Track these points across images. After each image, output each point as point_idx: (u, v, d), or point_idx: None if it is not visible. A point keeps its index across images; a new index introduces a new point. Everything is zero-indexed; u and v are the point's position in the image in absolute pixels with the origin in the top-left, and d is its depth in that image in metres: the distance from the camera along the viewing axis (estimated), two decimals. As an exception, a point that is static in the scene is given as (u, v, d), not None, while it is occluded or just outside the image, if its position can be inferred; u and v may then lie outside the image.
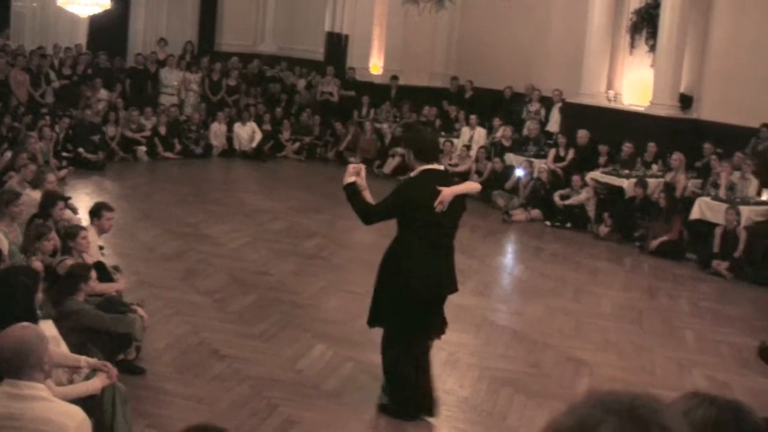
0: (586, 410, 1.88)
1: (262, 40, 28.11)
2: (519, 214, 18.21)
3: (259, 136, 23.07)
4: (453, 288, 8.38)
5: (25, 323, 5.36)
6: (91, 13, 20.12)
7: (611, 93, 20.89)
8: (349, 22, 25.21)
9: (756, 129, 17.66)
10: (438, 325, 8.46)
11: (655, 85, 19.42)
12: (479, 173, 19.56)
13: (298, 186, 20.36)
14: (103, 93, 22.53)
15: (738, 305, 13.72)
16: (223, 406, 8.40)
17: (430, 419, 8.43)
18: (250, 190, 20.08)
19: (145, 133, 21.83)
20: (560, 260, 15.48)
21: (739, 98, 18.56)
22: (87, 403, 6.28)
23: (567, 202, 17.99)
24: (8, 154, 16.94)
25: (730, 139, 17.80)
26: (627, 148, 18.43)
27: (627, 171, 17.97)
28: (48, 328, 6.99)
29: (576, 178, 18.12)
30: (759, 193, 16.52)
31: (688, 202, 16.58)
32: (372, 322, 8.62)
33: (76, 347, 7.53)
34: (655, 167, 18.18)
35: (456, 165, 19.96)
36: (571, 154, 19.33)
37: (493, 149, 20.57)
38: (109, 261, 10.91)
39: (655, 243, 16.08)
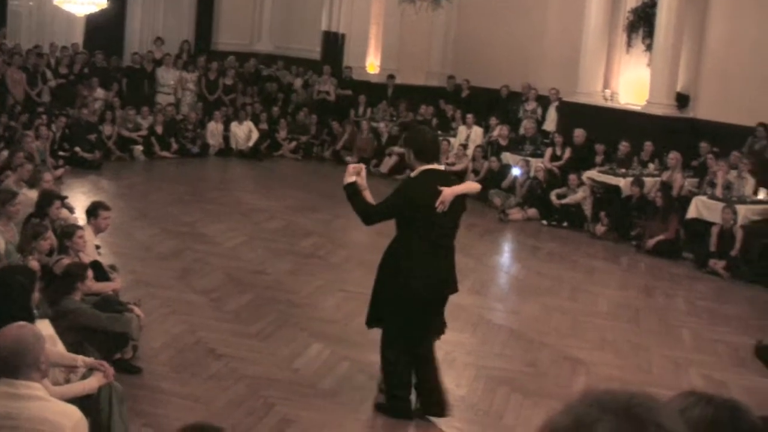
0: (582, 409, 1.88)
1: (259, 39, 28.09)
2: (516, 213, 18.21)
3: (255, 135, 23.06)
4: (453, 288, 8.39)
5: (21, 322, 5.36)
6: (88, 12, 20.10)
7: (608, 92, 20.89)
8: (346, 21, 25.21)
9: (752, 128, 17.67)
10: (438, 326, 8.45)
11: (652, 84, 19.42)
12: (476, 172, 19.56)
13: (295, 185, 20.36)
14: (99, 92, 22.53)
15: (735, 304, 13.73)
16: (220, 405, 8.40)
17: (436, 419, 8.42)
18: (246, 189, 20.09)
19: (142, 132, 21.81)
20: (557, 259, 15.49)
21: (736, 97, 18.57)
22: (84, 402, 6.27)
23: (564, 201, 17.99)
24: (5, 153, 16.91)
25: (727, 138, 17.81)
26: (624, 147, 18.44)
27: (624, 170, 17.97)
28: (45, 327, 7.00)
29: (573, 177, 18.12)
30: (755, 192, 16.54)
31: (684, 201, 16.59)
32: (371, 322, 8.62)
33: (72, 346, 7.53)
34: (651, 166, 18.19)
35: (453, 164, 19.94)
36: (567, 153, 19.33)
37: (490, 148, 20.57)
38: (105, 260, 10.90)
39: (651, 242, 16.08)
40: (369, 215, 8.21)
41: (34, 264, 8.93)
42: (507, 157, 20.09)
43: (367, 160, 22.02)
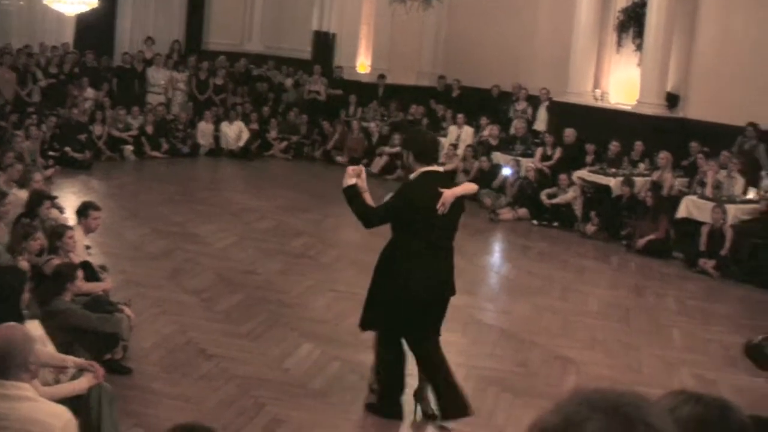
0: (571, 408, 1.89)
1: (250, 39, 28.05)
2: (506, 213, 18.22)
3: (246, 135, 23.04)
4: (452, 290, 8.37)
5: (11, 323, 5.36)
6: (78, 12, 20.06)
7: (598, 92, 20.92)
8: (337, 20, 25.20)
9: (742, 128, 17.70)
10: (437, 327, 8.43)
11: (642, 84, 19.46)
12: (466, 172, 19.57)
13: (286, 185, 20.36)
14: (89, 92, 22.48)
15: (725, 303, 13.77)
16: (210, 405, 8.39)
17: (433, 420, 8.43)
18: (237, 189, 20.08)
19: (132, 132, 21.77)
20: (547, 259, 15.50)
21: (726, 97, 18.60)
22: (73, 402, 6.27)
23: (554, 200, 18.00)
24: (-6, 154, 16.88)
25: (717, 137, 17.84)
26: (614, 146, 18.47)
27: (614, 170, 18.00)
28: (34, 327, 6.99)
29: (563, 177, 18.14)
30: (745, 192, 16.57)
31: (674, 201, 16.62)
32: (365, 325, 8.61)
33: (62, 347, 7.52)
34: (641, 166, 18.22)
35: (443, 164, 19.92)
36: (558, 152, 19.35)
37: (480, 148, 20.57)
38: (95, 260, 10.88)
39: (641, 241, 16.10)
40: (369, 218, 8.17)
41: (24, 264, 8.92)
42: (497, 156, 20.10)
43: (357, 160, 22.02)
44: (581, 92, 20.77)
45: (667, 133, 18.69)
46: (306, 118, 23.97)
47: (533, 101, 21.92)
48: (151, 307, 11.02)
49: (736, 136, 17.79)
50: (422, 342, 8.29)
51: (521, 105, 22.06)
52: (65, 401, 5.91)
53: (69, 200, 15.37)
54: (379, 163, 21.65)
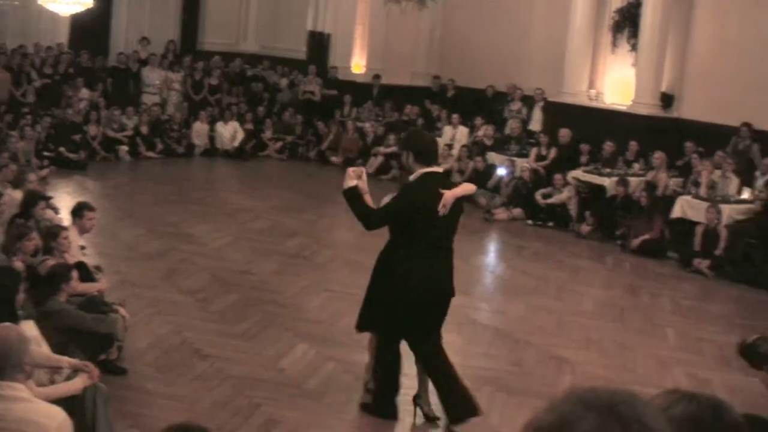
0: (566, 407, 1.89)
1: (245, 39, 28.03)
2: (501, 213, 18.22)
3: (241, 135, 23.03)
4: (452, 291, 8.36)
5: (5, 324, 5.35)
6: (73, 12, 20.01)
7: (593, 92, 20.94)
8: (332, 21, 25.18)
9: (737, 128, 17.73)
10: (438, 327, 8.41)
11: (637, 84, 19.48)
12: (461, 172, 19.57)
13: (280, 185, 20.35)
14: (84, 92, 22.45)
15: (719, 303, 13.79)
16: (206, 406, 8.39)
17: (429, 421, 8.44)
18: (232, 190, 20.09)
19: (127, 132, 21.75)
20: (542, 259, 15.51)
21: (720, 97, 18.63)
22: (68, 403, 6.26)
23: (549, 200, 18.01)
24: (-11, 154, 16.87)
25: (711, 138, 17.87)
26: (608, 146, 18.48)
27: (608, 170, 18.01)
28: (29, 328, 6.98)
29: (558, 177, 18.15)
30: (739, 192, 16.59)
31: (669, 201, 16.63)
32: (362, 326, 8.61)
33: (57, 347, 7.51)
34: (636, 166, 18.23)
35: (438, 164, 19.93)
36: (552, 153, 19.35)
37: (475, 148, 20.57)
38: (90, 261, 10.88)
39: (636, 241, 16.12)
40: (370, 220, 8.13)
41: (18, 265, 8.90)
42: (492, 157, 20.11)
43: (352, 160, 22.05)
44: (576, 92, 20.78)
45: (661, 133, 18.71)
46: (301, 118, 23.96)
47: (528, 101, 21.92)
48: (146, 308, 11.02)
49: (731, 137, 17.82)
50: (423, 343, 8.28)
51: (516, 105, 22.06)
52: (60, 402, 5.91)
53: (64, 201, 15.37)
54: (374, 163, 21.64)
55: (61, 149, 19.83)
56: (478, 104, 22.70)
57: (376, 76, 24.49)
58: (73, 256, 9.84)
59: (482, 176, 19.25)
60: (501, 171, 19.23)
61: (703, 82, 19.22)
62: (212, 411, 8.26)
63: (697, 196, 16.27)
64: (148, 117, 22.13)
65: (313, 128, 23.92)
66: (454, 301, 8.35)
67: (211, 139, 23.07)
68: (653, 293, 13.90)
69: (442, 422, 8.37)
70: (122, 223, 15.44)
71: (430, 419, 8.43)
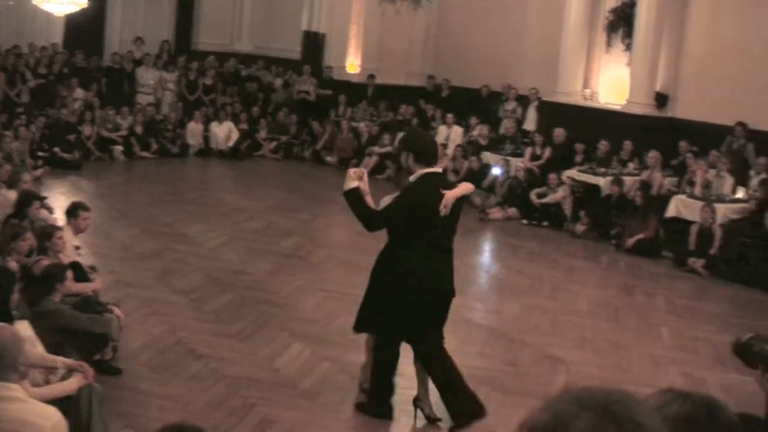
0: (561, 406, 1.89)
1: (239, 39, 28.03)
2: (496, 213, 18.23)
3: (235, 135, 23.02)
4: (452, 292, 8.35)
5: (0, 324, 5.34)
6: (68, 12, 20.00)
7: (587, 91, 20.95)
8: (326, 20, 25.18)
9: (731, 127, 17.75)
10: (439, 326, 8.40)
11: (631, 84, 19.50)
12: (456, 172, 19.57)
13: (275, 185, 20.35)
14: (79, 92, 22.44)
15: (714, 302, 13.80)
16: (200, 406, 8.39)
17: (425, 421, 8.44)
18: (226, 190, 20.07)
19: (122, 132, 21.73)
20: (537, 258, 15.52)
21: (715, 97, 18.65)
22: (63, 403, 6.26)
23: (544, 200, 18.02)
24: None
25: (706, 137, 17.89)
26: (603, 146, 18.50)
27: (603, 169, 18.03)
28: (24, 328, 6.98)
29: (552, 177, 18.16)
30: (734, 191, 16.62)
31: (664, 200, 16.65)
32: (361, 327, 8.61)
33: (52, 347, 7.51)
34: (631, 165, 18.25)
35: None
36: (547, 152, 19.36)
37: (470, 148, 20.58)
38: (85, 261, 10.87)
39: (631, 241, 16.13)
40: (372, 221, 8.09)
41: (13, 265, 8.89)
42: (487, 156, 20.12)
43: (347, 160, 22.08)
44: (571, 92, 20.80)
45: (656, 133, 18.73)
46: (295, 118, 23.96)
47: (523, 101, 21.93)
48: (141, 308, 11.01)
49: (725, 136, 17.83)
50: (425, 344, 8.27)
51: (511, 105, 22.07)
52: (55, 402, 5.91)
53: (58, 201, 15.35)
54: (369, 163, 21.63)
55: (56, 149, 19.81)
56: (472, 104, 22.70)
57: (371, 76, 24.49)
58: (67, 256, 9.83)
59: (477, 176, 19.23)
60: (496, 171, 19.24)
61: (698, 82, 19.24)
62: (207, 411, 8.26)
63: (691, 196, 16.29)
64: (143, 117, 22.11)
65: (307, 128, 23.92)
66: (449, 300, 8.37)
67: (206, 139, 23.06)
68: (648, 293, 13.91)
69: (444, 424, 8.36)
70: (117, 223, 15.43)
71: (432, 421, 8.42)
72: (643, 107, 19.27)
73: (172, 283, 12.25)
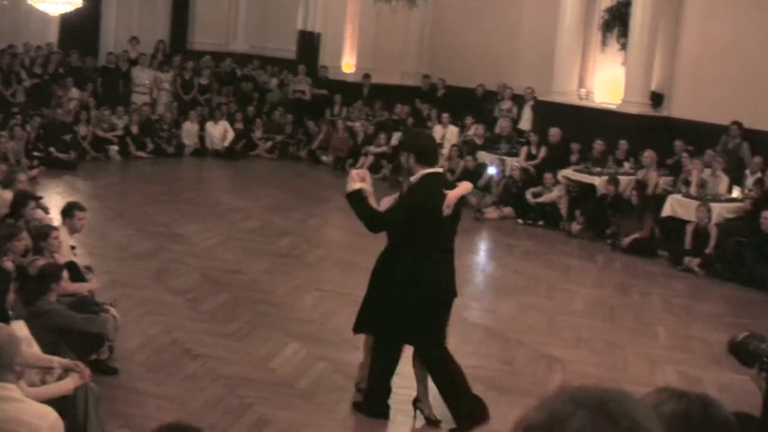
0: (557, 404, 1.90)
1: (234, 39, 28.02)
2: (491, 212, 18.24)
3: (231, 134, 23.01)
4: (454, 292, 8.34)
5: (-4, 323, 5.34)
6: (62, 12, 19.97)
7: (583, 91, 20.96)
8: (322, 20, 25.17)
9: (726, 126, 17.76)
10: (443, 327, 8.40)
11: (627, 83, 19.51)
12: (451, 171, 19.54)
13: (271, 185, 20.35)
14: (74, 92, 22.40)
15: (709, 302, 13.81)
16: (197, 405, 8.39)
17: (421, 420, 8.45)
18: (222, 189, 20.07)
19: (117, 132, 21.71)
20: (533, 258, 15.53)
21: (710, 96, 18.66)
22: (60, 403, 6.26)
23: (539, 199, 18.03)
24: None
25: (701, 136, 17.90)
26: (598, 145, 18.51)
27: (599, 169, 18.03)
28: (20, 328, 6.98)
29: (548, 176, 18.16)
30: (729, 190, 16.64)
31: (659, 200, 16.66)
32: (360, 328, 8.60)
33: (48, 347, 7.51)
34: (626, 165, 18.27)
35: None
36: (543, 152, 19.37)
37: (466, 147, 20.57)
38: (81, 261, 10.86)
39: (627, 240, 16.14)
40: (376, 223, 8.04)
41: (8, 265, 8.88)
42: (482, 156, 20.13)
43: (342, 159, 22.10)
44: (566, 91, 20.80)
45: (651, 132, 18.74)
46: (291, 117, 23.95)
47: (518, 100, 21.95)
48: (137, 308, 11.01)
49: (721, 135, 17.85)
50: (428, 346, 8.26)
51: (506, 104, 22.09)
52: (51, 402, 5.91)
53: (54, 200, 15.34)
54: (364, 163, 21.63)
55: (51, 149, 19.79)
56: (468, 103, 22.71)
57: (366, 76, 24.49)
58: (63, 256, 9.83)
59: (473, 175, 19.19)
60: (491, 170, 19.25)
61: (693, 81, 19.26)
62: (203, 411, 8.26)
63: (687, 195, 16.30)
64: (138, 117, 22.10)
65: (303, 128, 23.92)
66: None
67: (201, 138, 23.05)
68: (644, 292, 13.92)
69: (445, 425, 8.37)
70: (112, 223, 15.42)
71: (431, 422, 8.42)
72: (639, 107, 19.28)
73: (168, 283, 12.25)
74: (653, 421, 1.91)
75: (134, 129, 21.86)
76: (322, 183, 21.04)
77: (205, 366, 9.37)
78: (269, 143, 23.48)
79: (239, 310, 11.29)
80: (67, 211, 10.51)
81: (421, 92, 24.22)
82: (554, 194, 17.93)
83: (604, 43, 20.72)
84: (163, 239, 14.56)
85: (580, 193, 17.92)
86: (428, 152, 8.17)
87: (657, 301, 13.47)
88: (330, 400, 8.79)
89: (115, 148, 21.42)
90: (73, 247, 10.88)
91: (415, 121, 22.55)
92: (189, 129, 22.93)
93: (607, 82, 20.66)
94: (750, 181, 16.58)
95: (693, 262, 15.13)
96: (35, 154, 19.51)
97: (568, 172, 18.22)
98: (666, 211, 16.32)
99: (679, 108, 19.49)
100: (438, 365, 8.27)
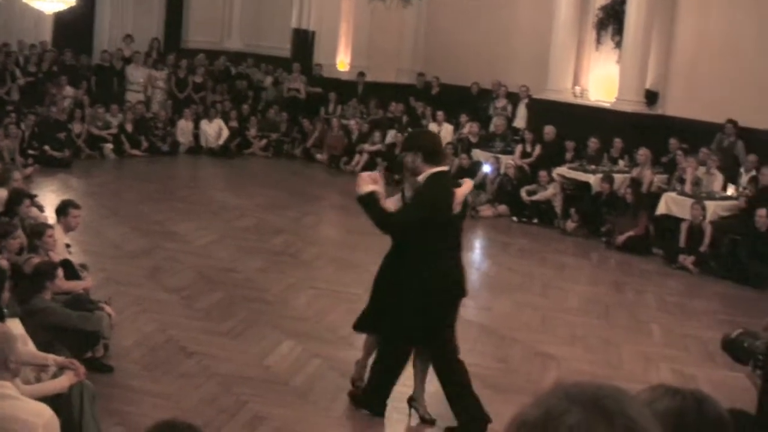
0: (552, 401, 1.90)
1: (229, 37, 28.02)
2: (486, 210, 18.24)
3: (225, 133, 23.00)
4: (464, 291, 8.33)
5: (-9, 321, 5.34)
6: (57, 10, 19.97)
7: (577, 89, 20.96)
8: (316, 18, 25.17)
9: (721, 125, 17.77)
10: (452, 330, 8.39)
11: (621, 81, 19.51)
12: (447, 169, 19.56)
13: (265, 183, 20.35)
14: (68, 90, 22.38)
15: (704, 299, 13.82)
16: (192, 403, 8.39)
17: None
18: (217, 188, 20.06)
19: (112, 130, 21.69)
20: (527, 255, 15.54)
21: (704, 94, 18.67)
22: (55, 401, 6.27)
23: (534, 197, 18.04)
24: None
25: (696, 134, 17.92)
26: (593, 143, 18.52)
27: (593, 166, 18.04)
28: (15, 326, 6.98)
29: (543, 174, 18.17)
30: (724, 188, 16.66)
31: (654, 198, 16.68)
32: (363, 327, 8.59)
33: (43, 345, 7.51)
34: (621, 163, 18.28)
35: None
36: (537, 149, 19.38)
37: (460, 145, 20.58)
38: (76, 259, 10.85)
39: (621, 238, 16.15)
40: (391, 224, 7.96)
41: (3, 263, 8.88)
42: (477, 154, 20.14)
43: (337, 157, 22.11)
44: (561, 89, 20.80)
45: (646, 130, 18.75)
46: (286, 115, 23.95)
47: (513, 98, 21.96)
48: (132, 306, 11.01)
49: (715, 133, 17.86)
50: (437, 345, 8.24)
51: (501, 102, 22.10)
52: (47, 399, 5.91)
53: (48, 199, 15.32)
54: (359, 161, 21.65)
55: (46, 147, 19.77)
56: (462, 101, 22.70)
57: (361, 74, 24.49)
58: (58, 254, 9.83)
59: (467, 173, 19.18)
60: (486, 168, 19.26)
61: (688, 79, 19.27)
62: (198, 408, 8.26)
63: (682, 193, 16.33)
64: (133, 115, 22.08)
65: (298, 126, 23.91)
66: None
67: (196, 137, 23.03)
68: (638, 290, 13.94)
69: (441, 423, 8.37)
70: (107, 221, 15.41)
71: (426, 421, 8.42)
72: (633, 105, 19.29)
73: (163, 281, 12.25)
74: (648, 418, 1.92)
75: (129, 127, 21.85)
76: (317, 181, 21.04)
77: (200, 364, 9.37)
78: (264, 141, 23.47)
79: (234, 308, 11.30)
80: (62, 209, 10.51)
81: (416, 90, 24.23)
82: (549, 192, 17.94)
83: (598, 41, 20.72)
84: (158, 237, 14.55)
85: (575, 191, 17.94)
86: (435, 151, 8.11)
87: (651, 299, 13.49)
88: (325, 398, 8.80)
89: (109, 146, 21.40)
90: (67, 245, 10.87)
91: (409, 119, 22.56)
92: (183, 127, 22.92)
93: (601, 80, 20.67)
94: (744, 179, 16.60)
95: (687, 259, 15.15)
96: (30, 152, 19.49)
97: (562, 170, 18.23)
98: (661, 209, 16.33)
99: (673, 106, 19.49)
100: (445, 365, 8.27)
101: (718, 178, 16.67)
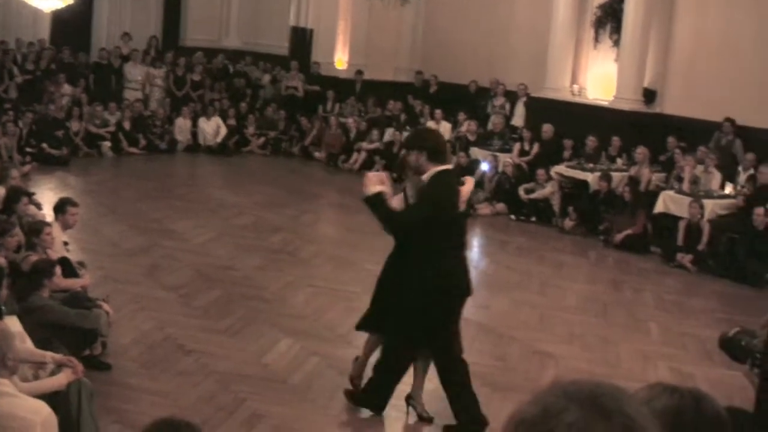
0: (549, 399, 1.90)
1: (227, 35, 28.01)
2: (484, 208, 18.24)
3: (223, 131, 23.00)
4: (470, 289, 8.32)
5: (-11, 319, 5.34)
6: (54, 8, 19.97)
7: (576, 87, 20.95)
8: (314, 16, 25.15)
9: (719, 123, 17.78)
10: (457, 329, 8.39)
11: (619, 80, 19.51)
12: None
13: (263, 181, 20.34)
14: (66, 88, 22.37)
15: (702, 298, 13.82)
16: (190, 401, 8.39)
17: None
18: (215, 185, 20.06)
19: (110, 128, 21.69)
20: (525, 254, 15.54)
21: (703, 93, 18.67)
22: (53, 398, 6.26)
23: (532, 196, 18.04)
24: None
25: (694, 133, 17.92)
26: (591, 142, 18.53)
27: (591, 165, 18.05)
28: (13, 324, 6.98)
29: (541, 172, 18.18)
30: (722, 187, 16.66)
31: (652, 196, 16.68)
32: (366, 327, 8.58)
33: (41, 343, 7.51)
34: (619, 161, 18.29)
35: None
36: (535, 148, 19.39)
37: (458, 143, 20.58)
38: (73, 256, 10.85)
39: (619, 236, 16.15)
40: (398, 223, 7.95)
41: (1, 260, 8.87)
42: (475, 152, 20.14)
43: (335, 155, 22.11)
44: (559, 88, 20.79)
45: (644, 129, 18.75)
46: (284, 113, 23.95)
47: (511, 97, 21.97)
48: (130, 303, 11.01)
49: (713, 132, 17.86)
50: (441, 345, 8.23)
51: (499, 100, 22.10)
52: (44, 397, 5.91)
53: (46, 196, 15.32)
54: (357, 159, 21.65)
55: (44, 145, 19.77)
56: (460, 100, 22.71)
57: (359, 72, 24.49)
58: (56, 252, 9.83)
59: (465, 172, 19.18)
60: (484, 166, 19.27)
61: (686, 78, 19.27)
62: (196, 406, 8.26)
63: (679, 191, 16.32)
64: (131, 113, 22.08)
65: (296, 124, 23.92)
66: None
67: (194, 135, 23.03)
68: (636, 288, 13.94)
69: (439, 421, 8.37)
70: (105, 219, 15.41)
71: (423, 419, 8.42)
72: (631, 103, 19.29)
73: (161, 279, 12.25)
74: (646, 416, 1.92)
75: (127, 125, 21.84)
76: (315, 179, 21.04)
77: (199, 362, 9.37)
78: (262, 139, 23.48)
79: (232, 306, 11.30)
80: (60, 207, 10.52)
81: (414, 88, 24.23)
82: (547, 190, 17.95)
83: (596, 40, 20.70)
84: (156, 235, 14.55)
85: (573, 190, 17.94)
86: (439, 150, 8.06)
87: (649, 297, 13.49)
88: (323, 396, 8.80)
89: (107, 144, 21.40)
90: (65, 243, 10.88)
91: (407, 117, 22.57)
92: (181, 125, 22.91)
93: (599, 79, 20.66)
94: (742, 177, 16.60)
95: (685, 258, 15.15)
96: (28, 150, 19.49)
97: (560, 169, 18.24)
98: (659, 207, 16.33)
99: (671, 104, 19.49)
100: (447, 364, 8.26)
101: (716, 177, 16.68)
